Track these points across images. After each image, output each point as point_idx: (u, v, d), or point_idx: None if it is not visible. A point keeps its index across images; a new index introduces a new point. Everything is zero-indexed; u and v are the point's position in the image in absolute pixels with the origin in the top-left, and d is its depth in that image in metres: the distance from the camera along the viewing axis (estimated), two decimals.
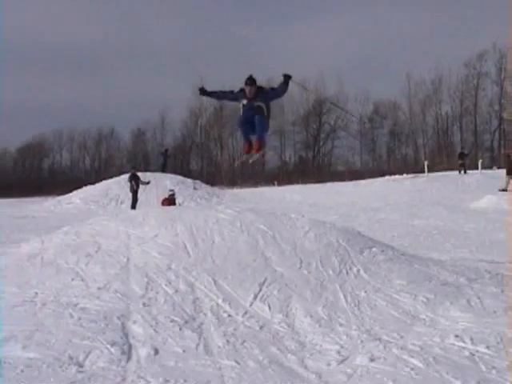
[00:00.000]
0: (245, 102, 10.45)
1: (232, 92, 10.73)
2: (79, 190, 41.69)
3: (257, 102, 10.39)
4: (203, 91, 10.87)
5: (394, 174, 51.10)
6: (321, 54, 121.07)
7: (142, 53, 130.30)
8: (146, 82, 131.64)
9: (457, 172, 44.46)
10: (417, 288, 8.93)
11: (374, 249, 10.49)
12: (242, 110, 10.57)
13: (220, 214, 11.55)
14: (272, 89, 10.90)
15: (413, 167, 58.30)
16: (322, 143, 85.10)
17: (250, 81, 10.39)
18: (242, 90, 10.48)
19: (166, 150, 33.02)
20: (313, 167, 79.72)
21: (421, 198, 30.86)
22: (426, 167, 47.80)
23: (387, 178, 47.69)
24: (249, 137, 10.66)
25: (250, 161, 10.69)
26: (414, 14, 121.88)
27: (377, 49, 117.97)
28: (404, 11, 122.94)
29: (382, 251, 10.49)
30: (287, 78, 10.78)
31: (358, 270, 9.47)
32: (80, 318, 7.75)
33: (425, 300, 8.50)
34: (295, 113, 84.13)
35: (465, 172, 43.81)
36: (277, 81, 10.60)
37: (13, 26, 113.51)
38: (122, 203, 33.99)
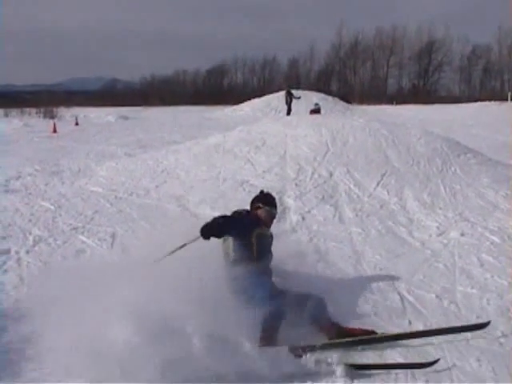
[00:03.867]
0: (260, 231, 4.59)
1: (235, 222, 4.50)
2: (249, 102, 42.20)
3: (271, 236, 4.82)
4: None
5: (484, 100, 48.57)
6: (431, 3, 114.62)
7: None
8: (300, 23, 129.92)
9: None
10: (499, 185, 8.63)
11: (468, 154, 10.07)
12: (257, 252, 4.45)
13: (354, 121, 11.38)
14: None
15: (499, 96, 54.79)
16: (430, 74, 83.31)
17: (275, 202, 4.99)
18: (252, 216, 4.73)
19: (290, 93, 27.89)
20: (422, 92, 77.36)
21: (504, 119, 28.95)
22: (509, 97, 45.50)
23: (479, 103, 45.42)
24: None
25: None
26: None
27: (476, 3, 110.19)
28: None
29: (474, 156, 10.08)
30: None
31: (455, 169, 9.19)
32: (250, 191, 7.97)
33: (504, 194, 8.24)
34: (411, 49, 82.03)
35: None
36: None
37: None
38: (279, 112, 34.07)
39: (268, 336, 3.90)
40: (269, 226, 4.80)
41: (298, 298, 4.28)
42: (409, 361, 3.82)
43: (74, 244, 6.44)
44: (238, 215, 4.65)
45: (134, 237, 6.72)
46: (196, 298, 3.73)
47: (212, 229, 4.25)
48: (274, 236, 4.80)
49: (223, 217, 4.47)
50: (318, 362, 3.72)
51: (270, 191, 5.11)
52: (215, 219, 4.34)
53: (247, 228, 4.51)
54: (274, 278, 4.57)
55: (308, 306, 4.19)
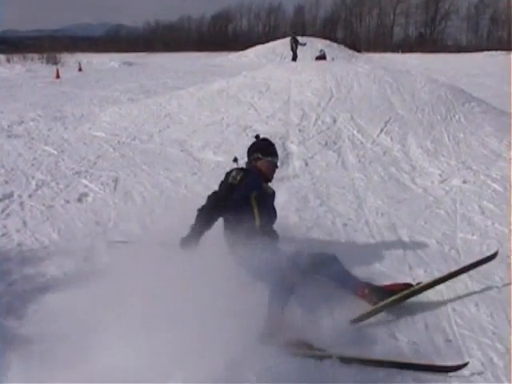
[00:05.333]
0: (259, 192, 3.96)
1: (232, 187, 3.87)
2: (253, 48, 41.60)
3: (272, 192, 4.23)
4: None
5: (491, 50, 47.85)
6: None
7: None
8: None
9: None
10: (502, 134, 8.56)
11: (472, 103, 9.94)
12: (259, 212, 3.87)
13: (358, 68, 11.19)
14: None
15: (506, 46, 54.00)
16: (437, 23, 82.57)
17: (275, 149, 4.33)
18: (250, 172, 4.04)
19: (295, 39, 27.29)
20: (429, 41, 76.46)
21: (510, 69, 28.50)
22: None
23: (486, 52, 44.73)
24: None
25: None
26: None
27: None
28: None
29: (478, 105, 9.94)
30: None
31: (459, 117, 9.10)
32: (253, 136, 7.81)
33: (507, 143, 8.20)
34: None
35: None
36: None
37: None
38: (284, 58, 33.63)
39: (274, 321, 3.24)
40: (270, 179, 4.20)
41: (311, 262, 3.77)
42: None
43: (77, 188, 6.41)
44: (229, 184, 3.90)
45: (136, 181, 6.70)
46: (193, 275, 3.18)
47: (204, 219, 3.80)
48: (276, 183, 4.56)
49: (215, 200, 3.88)
50: (319, 358, 3.06)
51: (267, 137, 4.55)
52: (208, 205, 3.87)
53: (243, 195, 3.87)
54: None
55: (324, 269, 3.79)
